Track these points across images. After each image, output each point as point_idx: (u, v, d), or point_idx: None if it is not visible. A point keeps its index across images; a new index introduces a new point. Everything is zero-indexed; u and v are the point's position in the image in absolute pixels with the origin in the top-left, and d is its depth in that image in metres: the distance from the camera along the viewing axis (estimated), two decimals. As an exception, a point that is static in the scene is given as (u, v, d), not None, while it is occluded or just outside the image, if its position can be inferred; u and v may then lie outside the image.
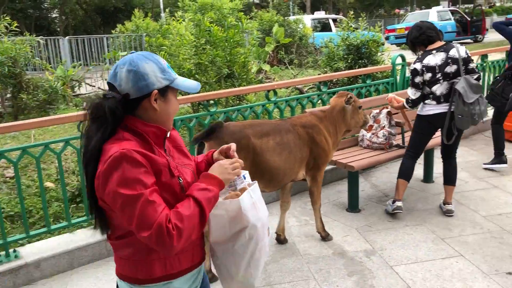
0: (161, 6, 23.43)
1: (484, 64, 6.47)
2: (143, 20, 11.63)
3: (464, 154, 5.58)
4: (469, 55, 3.77)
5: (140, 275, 1.55)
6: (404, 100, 3.95)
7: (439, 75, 3.72)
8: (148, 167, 1.45)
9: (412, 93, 3.83)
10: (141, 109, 1.53)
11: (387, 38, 21.37)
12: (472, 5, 35.74)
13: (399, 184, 4.02)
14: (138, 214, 1.39)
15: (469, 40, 21.53)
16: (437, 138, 4.19)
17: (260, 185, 3.25)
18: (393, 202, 4.02)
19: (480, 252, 3.39)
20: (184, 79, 1.62)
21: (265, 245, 1.72)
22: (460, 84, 3.66)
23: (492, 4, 39.02)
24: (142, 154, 1.45)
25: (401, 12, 37.82)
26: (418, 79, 3.79)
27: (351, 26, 7.62)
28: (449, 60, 3.70)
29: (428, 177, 4.81)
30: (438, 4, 34.62)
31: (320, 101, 4.90)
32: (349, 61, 7.32)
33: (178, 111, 6.94)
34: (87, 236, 3.61)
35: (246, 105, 4.48)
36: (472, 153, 5.66)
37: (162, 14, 19.85)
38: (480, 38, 21.48)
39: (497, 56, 7.40)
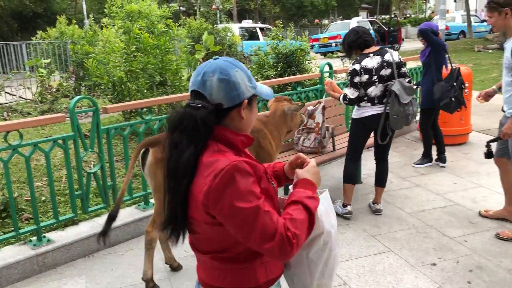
0: (85, 13, 22.61)
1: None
2: (68, 27, 11.18)
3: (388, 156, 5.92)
4: (401, 60, 4.02)
5: (245, 284, 1.50)
6: (341, 95, 4.03)
7: (375, 77, 3.90)
8: (254, 176, 1.41)
9: (351, 93, 3.96)
10: (228, 118, 1.49)
11: (311, 47, 22.13)
12: (388, 16, 37.99)
13: (346, 189, 4.20)
14: (259, 227, 1.35)
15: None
16: (369, 139, 4.45)
17: None
18: (344, 206, 4.22)
19: (407, 246, 3.64)
20: (260, 85, 1.58)
21: (337, 254, 1.68)
22: (396, 86, 3.87)
23: (407, 15, 41.71)
24: (249, 164, 1.42)
25: (325, 22, 39.36)
26: (357, 79, 3.93)
27: (279, 36, 7.83)
28: (384, 64, 3.90)
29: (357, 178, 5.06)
30: (357, 15, 36.46)
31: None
32: (279, 69, 7.52)
33: (110, 119, 6.71)
34: (15, 252, 3.42)
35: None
36: (395, 155, 6.03)
37: (86, 21, 19.18)
38: (397, 47, 22.86)
39: (413, 64, 7.96)
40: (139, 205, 4.12)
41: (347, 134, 5.14)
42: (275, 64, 7.58)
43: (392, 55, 3.96)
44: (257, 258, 1.49)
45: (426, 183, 5.01)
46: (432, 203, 4.45)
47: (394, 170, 5.44)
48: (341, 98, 4.02)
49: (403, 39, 24.11)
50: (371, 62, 3.92)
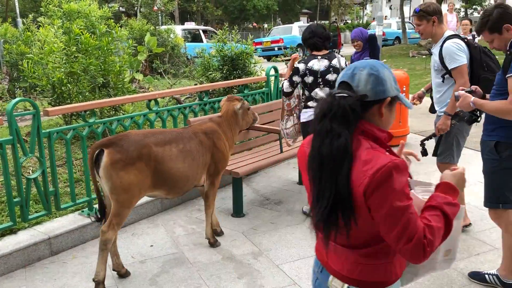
0: (17, 11, 21.49)
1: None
2: (1, 26, 10.57)
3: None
4: (325, 68, 3.97)
5: (382, 278, 1.56)
6: (283, 81, 4.10)
7: (320, 80, 3.97)
8: (407, 176, 1.48)
9: (285, 87, 4.04)
10: (370, 113, 1.55)
11: (254, 51, 22.30)
12: (327, 21, 39.04)
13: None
14: (402, 225, 1.40)
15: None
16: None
17: (162, 193, 3.23)
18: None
19: (353, 244, 3.75)
20: (402, 95, 1.64)
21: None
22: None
23: (345, 21, 43.07)
24: (404, 164, 1.47)
25: (266, 26, 39.80)
26: (295, 78, 3.98)
27: (225, 38, 7.85)
28: (331, 69, 3.97)
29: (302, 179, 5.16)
30: (298, 20, 37.18)
31: (202, 110, 4.97)
32: (224, 71, 7.53)
33: (49, 122, 6.41)
34: None
35: (126, 115, 4.37)
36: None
37: (19, 20, 18.24)
38: (337, 51, 23.54)
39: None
40: (82, 211, 3.98)
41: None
42: (221, 67, 7.59)
43: (339, 61, 4.05)
44: (396, 254, 1.55)
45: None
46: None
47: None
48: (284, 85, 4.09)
49: (342, 44, 24.84)
50: (318, 64, 3.97)
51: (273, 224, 4.17)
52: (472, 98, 2.85)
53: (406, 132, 6.69)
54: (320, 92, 4.00)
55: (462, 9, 24.56)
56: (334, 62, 4.01)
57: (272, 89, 5.82)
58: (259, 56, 21.42)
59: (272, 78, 5.91)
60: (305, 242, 3.80)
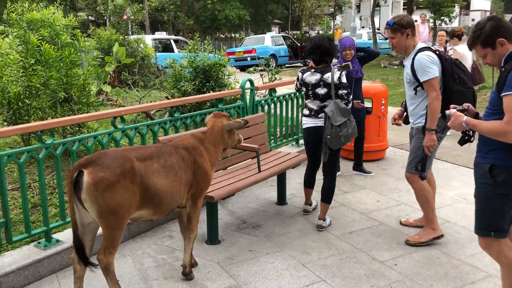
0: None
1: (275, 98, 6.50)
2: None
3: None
4: (342, 81, 4.03)
5: None
6: None
7: (310, 93, 4.14)
8: None
9: (295, 85, 4.40)
10: None
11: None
12: (299, 31, 39.13)
13: (304, 192, 4.58)
14: None
15: (299, 64, 23.41)
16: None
17: (148, 212, 2.92)
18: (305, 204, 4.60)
19: (339, 274, 3.46)
20: None
21: None
22: (329, 108, 3.99)
23: (317, 31, 43.28)
24: None
25: (237, 35, 39.60)
26: (297, 83, 4.33)
27: (197, 49, 7.52)
28: (321, 83, 4.07)
29: (281, 199, 4.86)
30: (269, 30, 37.16)
31: (173, 127, 4.61)
32: (196, 83, 7.19)
33: (6, 140, 5.89)
34: None
35: (89, 134, 3.97)
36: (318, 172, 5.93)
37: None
38: (309, 62, 23.47)
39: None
40: (39, 243, 3.55)
41: (272, 153, 4.96)
42: (193, 78, 7.24)
43: (332, 76, 4.02)
44: None
45: (350, 201, 4.93)
46: (359, 224, 4.35)
47: (317, 188, 5.31)
48: None
49: (315, 54, 24.81)
50: (310, 77, 4.14)
51: (252, 252, 3.83)
52: (465, 117, 2.69)
53: (385, 146, 6.47)
54: (309, 104, 4.18)
55: (431, 20, 24.94)
56: (326, 76, 4.06)
57: (248, 102, 5.51)
58: (232, 66, 21.16)
59: (248, 91, 5.60)
60: (287, 273, 3.48)
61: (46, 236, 3.58)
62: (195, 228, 3.38)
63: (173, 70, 7.38)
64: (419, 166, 3.75)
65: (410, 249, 3.84)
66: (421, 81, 3.63)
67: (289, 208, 4.76)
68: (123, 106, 9.46)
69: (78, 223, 2.85)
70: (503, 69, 2.56)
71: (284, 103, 6.23)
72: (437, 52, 3.72)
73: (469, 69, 8.58)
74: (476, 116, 2.82)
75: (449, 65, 3.67)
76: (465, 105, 2.86)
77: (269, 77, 7.93)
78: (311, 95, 4.15)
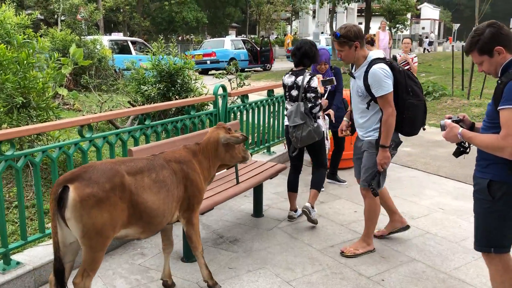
0: None
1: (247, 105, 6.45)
2: None
3: (284, 183, 5.65)
4: (311, 85, 4.18)
5: None
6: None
7: (287, 94, 4.36)
8: None
9: None
10: None
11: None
12: (256, 35, 39.19)
13: (288, 196, 4.62)
14: None
15: (259, 68, 23.35)
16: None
17: (136, 231, 2.82)
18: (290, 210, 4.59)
19: (327, 292, 3.30)
20: None
21: None
22: (291, 109, 4.26)
23: (276, 36, 43.52)
24: None
25: (193, 37, 39.12)
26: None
27: (162, 52, 7.21)
28: (295, 85, 4.26)
29: (258, 211, 4.66)
30: (227, 33, 37.00)
31: (143, 135, 4.31)
32: (161, 88, 6.88)
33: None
34: None
35: (54, 144, 3.63)
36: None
37: None
38: (269, 66, 23.49)
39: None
40: (-4, 267, 3.18)
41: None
42: (157, 83, 6.92)
43: (303, 79, 4.19)
44: None
45: (327, 212, 4.80)
46: (340, 237, 4.22)
47: (303, 195, 5.16)
48: None
49: (274, 59, 24.88)
50: (287, 79, 4.35)
51: (232, 269, 3.60)
52: (460, 129, 2.62)
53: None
54: (287, 104, 4.41)
55: (387, 28, 25.61)
56: (298, 79, 4.24)
57: (220, 109, 5.28)
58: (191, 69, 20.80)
59: (221, 98, 5.37)
60: (272, 292, 3.28)
61: (4, 258, 3.21)
62: (197, 244, 3.19)
63: (135, 73, 7.03)
64: (373, 183, 3.66)
65: (395, 263, 3.73)
66: (376, 96, 3.49)
67: (266, 221, 4.56)
68: (81, 111, 8.98)
69: (60, 243, 2.57)
70: (499, 81, 2.46)
71: (256, 109, 6.04)
72: (390, 63, 3.57)
73: None
74: (472, 126, 2.76)
75: (402, 77, 3.54)
76: (461, 115, 2.78)
77: (238, 82, 7.73)
78: (287, 96, 4.37)
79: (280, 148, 6.69)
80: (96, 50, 12.44)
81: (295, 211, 4.56)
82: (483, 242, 2.66)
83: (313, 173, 4.49)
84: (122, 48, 16.58)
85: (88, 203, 2.47)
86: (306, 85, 4.16)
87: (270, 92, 6.35)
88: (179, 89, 7.02)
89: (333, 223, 4.51)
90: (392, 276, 3.52)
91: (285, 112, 4.44)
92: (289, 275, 3.52)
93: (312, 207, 4.33)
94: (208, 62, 20.35)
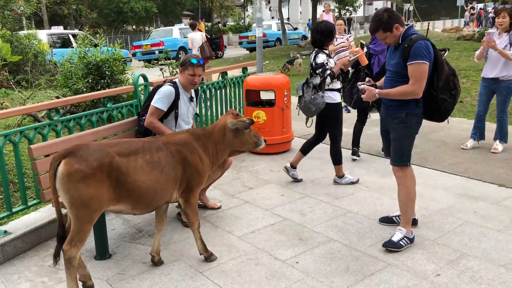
0: None
1: (225, 81, 6.68)
2: None
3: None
4: (316, 62, 4.72)
5: None
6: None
7: (311, 70, 4.86)
8: None
9: None
10: None
11: (134, 55, 21.15)
12: (210, 23, 38.67)
13: (296, 154, 5.23)
14: None
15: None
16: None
17: (126, 207, 3.03)
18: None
19: (238, 280, 3.25)
20: None
21: None
22: (301, 82, 4.89)
23: (226, 23, 43.10)
24: None
25: (147, 28, 38.30)
26: None
27: (87, 43, 6.95)
28: (312, 63, 4.81)
29: (182, 202, 4.57)
30: (180, 22, 36.33)
31: (52, 131, 4.13)
32: (89, 81, 6.65)
33: None
34: None
35: None
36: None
37: None
38: (220, 54, 23.22)
39: (236, 72, 7.79)
40: None
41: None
42: (85, 76, 6.68)
43: (312, 57, 4.81)
44: None
45: (254, 198, 4.76)
46: (262, 221, 4.19)
47: (222, 186, 5.10)
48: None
49: (225, 46, 24.63)
50: (311, 58, 4.85)
51: (145, 264, 3.51)
52: (376, 90, 3.52)
53: (290, 138, 6.38)
54: (312, 80, 4.83)
55: (336, 10, 25.75)
56: (311, 56, 4.82)
57: (142, 100, 5.12)
58: (139, 60, 20.32)
59: (142, 88, 5.21)
60: (183, 284, 3.21)
61: None
62: (193, 220, 3.38)
63: (60, 67, 6.77)
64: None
65: (312, 244, 3.73)
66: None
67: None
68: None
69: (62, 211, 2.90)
70: (406, 45, 3.31)
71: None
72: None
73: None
74: (375, 86, 3.68)
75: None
76: (368, 79, 3.81)
77: (170, 71, 7.55)
78: (312, 72, 4.83)
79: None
80: (31, 45, 11.96)
81: (292, 167, 5.15)
82: (404, 158, 3.57)
83: (330, 149, 5.03)
84: (63, 42, 16.00)
85: (75, 177, 2.70)
86: (313, 62, 4.75)
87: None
88: (108, 81, 6.81)
89: (258, 209, 4.48)
90: (307, 258, 3.52)
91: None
92: (204, 265, 3.46)
93: (342, 177, 5.05)
94: (157, 52, 19.91)
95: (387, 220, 4.06)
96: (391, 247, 3.55)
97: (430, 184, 4.95)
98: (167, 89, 3.93)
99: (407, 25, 3.50)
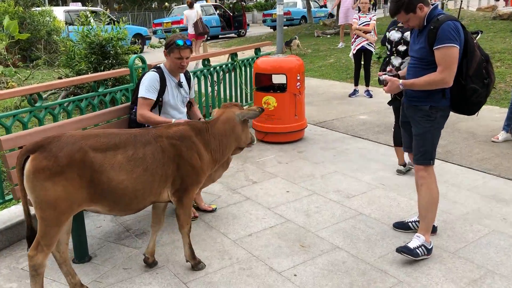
0: None
1: (234, 63, 6.23)
2: None
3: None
4: (398, 39, 4.46)
5: None
6: None
7: (393, 49, 4.53)
8: None
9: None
10: None
11: (154, 33, 20.78)
12: (228, 1, 37.85)
13: (396, 151, 4.73)
14: None
15: (233, 35, 22.54)
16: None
17: (103, 209, 2.70)
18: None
19: (225, 295, 2.87)
20: None
21: None
22: (404, 64, 4.39)
23: (255, 0, 42.13)
24: None
25: (173, 6, 37.82)
26: (384, 41, 4.74)
27: (90, 21, 6.58)
28: (402, 41, 4.44)
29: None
30: (204, -1, 35.67)
31: (34, 118, 3.79)
32: (92, 61, 6.30)
33: None
34: None
35: None
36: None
37: None
38: (243, 32, 22.67)
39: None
40: None
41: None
42: (88, 56, 6.34)
43: (393, 34, 4.48)
44: None
45: (257, 194, 4.35)
46: (262, 223, 3.78)
47: (224, 179, 4.69)
48: None
49: (248, 25, 24.04)
50: (394, 35, 4.50)
51: (126, 270, 3.16)
52: (400, 81, 3.09)
53: (302, 126, 5.89)
54: (393, 60, 4.50)
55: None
56: (406, 34, 4.38)
57: (139, 84, 4.72)
58: (160, 38, 19.92)
59: (140, 71, 4.80)
60: (163, 297, 2.85)
61: None
62: (184, 224, 3.01)
63: (63, 46, 6.44)
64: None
65: (315, 252, 3.31)
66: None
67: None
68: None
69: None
70: (432, 27, 2.92)
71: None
72: None
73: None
74: (397, 76, 3.24)
75: None
76: (388, 68, 3.48)
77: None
78: (394, 52, 4.49)
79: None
80: (45, 23, 11.69)
81: (404, 165, 4.68)
82: (427, 155, 3.14)
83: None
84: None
85: (41, 175, 2.41)
86: (396, 39, 4.43)
87: (206, 61, 5.78)
88: (113, 61, 6.45)
89: (259, 207, 4.07)
90: (307, 270, 3.10)
91: (388, 68, 4.11)
92: (190, 275, 3.09)
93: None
94: (177, 30, 19.49)
95: (402, 226, 3.59)
96: (406, 253, 3.10)
97: (454, 183, 4.44)
98: (150, 76, 3.56)
99: (432, 4, 3.08)
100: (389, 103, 3.56)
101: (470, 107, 3.07)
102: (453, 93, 3.04)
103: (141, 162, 2.67)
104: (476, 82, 2.96)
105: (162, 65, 3.69)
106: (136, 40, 16.89)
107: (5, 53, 8.74)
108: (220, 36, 22.54)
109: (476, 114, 3.15)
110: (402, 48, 4.44)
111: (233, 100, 6.26)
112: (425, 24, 3.01)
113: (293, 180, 4.64)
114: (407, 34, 4.37)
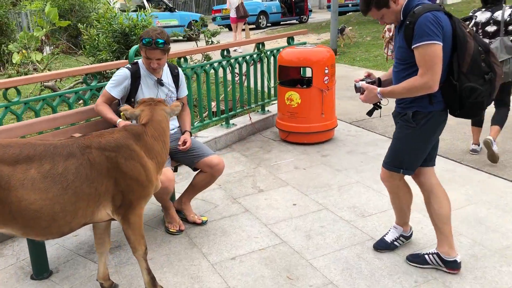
0: None
1: (261, 54, 5.68)
2: None
3: (232, 163, 4.71)
4: (486, 19, 4.29)
5: None
6: None
7: (480, 31, 4.34)
8: None
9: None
10: None
11: (214, 19, 20.56)
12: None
13: (472, 131, 4.68)
14: None
15: (294, 21, 21.81)
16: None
17: (16, 232, 2.25)
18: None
19: (176, 338, 2.40)
20: None
21: None
22: (494, 44, 4.21)
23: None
24: None
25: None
26: (469, 23, 4.38)
27: (114, 8, 6.30)
28: (491, 21, 4.29)
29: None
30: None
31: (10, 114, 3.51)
32: (114, 50, 6.02)
33: None
34: None
35: None
36: (242, 161, 4.82)
37: None
38: (305, 18, 21.88)
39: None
40: None
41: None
42: (111, 45, 6.07)
43: (503, 13, 4.22)
44: None
45: (258, 205, 3.82)
46: (252, 243, 3.26)
47: (228, 185, 4.22)
48: None
49: (311, 10, 23.18)
50: (481, 16, 4.32)
51: (92, 285, 2.79)
52: (378, 89, 2.68)
53: (332, 126, 5.24)
54: None
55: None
56: (496, 14, 4.26)
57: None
58: (219, 25, 19.65)
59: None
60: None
61: None
62: (137, 245, 2.56)
63: (85, 35, 6.22)
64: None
65: (303, 286, 2.75)
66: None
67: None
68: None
69: None
70: (408, 22, 2.49)
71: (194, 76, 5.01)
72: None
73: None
74: (379, 82, 2.83)
75: None
76: (367, 73, 2.89)
77: (206, 40, 6.69)
78: (480, 33, 4.28)
79: (243, 120, 5.69)
80: (96, 9, 11.72)
81: (478, 145, 4.66)
82: (396, 162, 2.79)
83: (496, 111, 4.49)
84: (137, 6, 15.78)
85: None
86: (508, 18, 4.20)
87: (224, 51, 5.28)
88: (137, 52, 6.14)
89: (255, 222, 3.55)
90: (285, 312, 2.55)
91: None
92: (147, 306, 2.65)
93: (494, 141, 4.32)
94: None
95: (417, 260, 2.93)
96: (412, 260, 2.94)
97: (499, 205, 3.64)
98: (120, 73, 3.21)
99: None
100: (368, 113, 2.90)
101: (467, 111, 2.57)
102: (445, 95, 2.57)
103: (60, 179, 2.21)
104: (474, 79, 2.48)
105: (139, 61, 3.28)
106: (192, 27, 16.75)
107: (46, 40, 8.77)
108: (281, 23, 21.89)
109: (481, 116, 2.63)
110: (491, 28, 4.28)
111: (252, 97, 5.74)
112: (401, 18, 2.59)
113: (304, 191, 4.05)
114: (498, 13, 4.25)
